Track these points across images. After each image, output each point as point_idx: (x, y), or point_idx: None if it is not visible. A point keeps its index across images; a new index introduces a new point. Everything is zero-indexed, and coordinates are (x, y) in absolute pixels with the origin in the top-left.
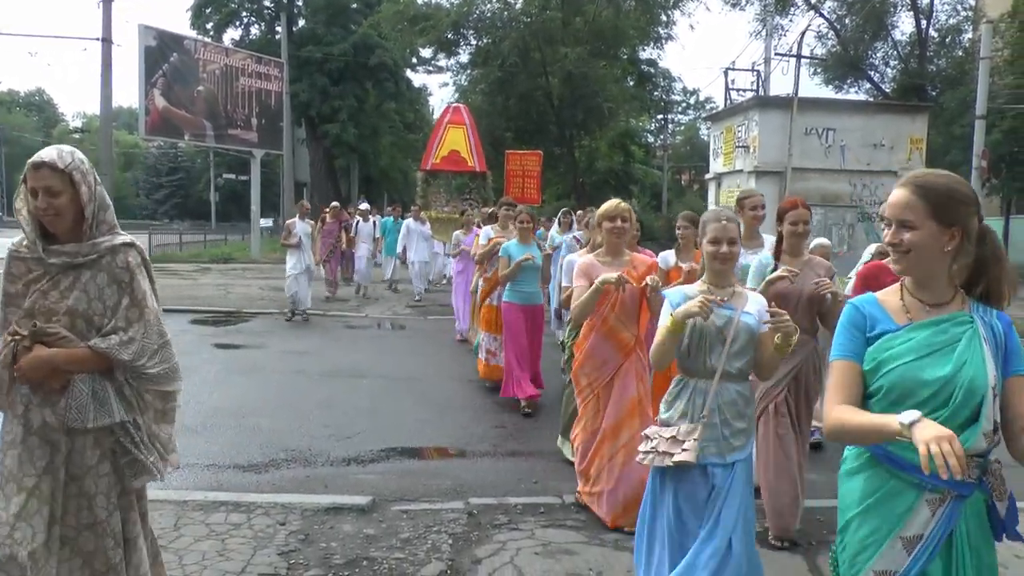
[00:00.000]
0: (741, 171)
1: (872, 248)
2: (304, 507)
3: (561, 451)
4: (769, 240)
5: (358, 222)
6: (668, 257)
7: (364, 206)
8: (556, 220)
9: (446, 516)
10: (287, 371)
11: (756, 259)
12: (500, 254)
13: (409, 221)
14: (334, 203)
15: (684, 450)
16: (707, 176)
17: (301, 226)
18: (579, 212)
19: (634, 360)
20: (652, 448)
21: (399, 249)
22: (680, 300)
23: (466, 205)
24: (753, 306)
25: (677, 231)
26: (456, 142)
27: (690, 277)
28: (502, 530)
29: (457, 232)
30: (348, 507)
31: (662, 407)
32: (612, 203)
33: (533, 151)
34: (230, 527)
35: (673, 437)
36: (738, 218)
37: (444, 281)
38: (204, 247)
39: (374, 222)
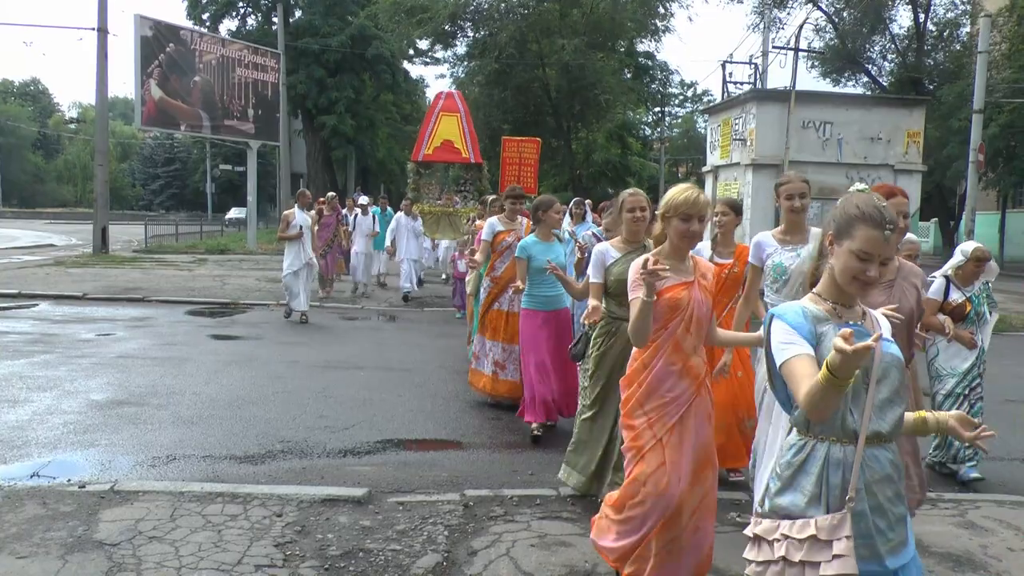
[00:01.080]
0: (738, 164)
1: (969, 248)
2: (300, 499)
3: (565, 481)
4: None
5: (356, 216)
6: (701, 251)
7: (363, 200)
8: (567, 212)
9: (442, 508)
10: (283, 362)
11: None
12: (517, 254)
13: (400, 215)
14: (331, 193)
15: (836, 556)
16: (704, 169)
17: (301, 217)
18: (602, 203)
19: (704, 394)
20: (780, 558)
21: (387, 243)
22: (802, 322)
23: (459, 198)
24: (888, 328)
25: (715, 218)
26: (449, 131)
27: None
28: (498, 522)
29: (480, 221)
30: (344, 499)
31: (772, 484)
32: (688, 195)
33: (531, 138)
34: (226, 518)
35: (812, 536)
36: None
37: (443, 279)
38: (200, 238)
39: (373, 216)
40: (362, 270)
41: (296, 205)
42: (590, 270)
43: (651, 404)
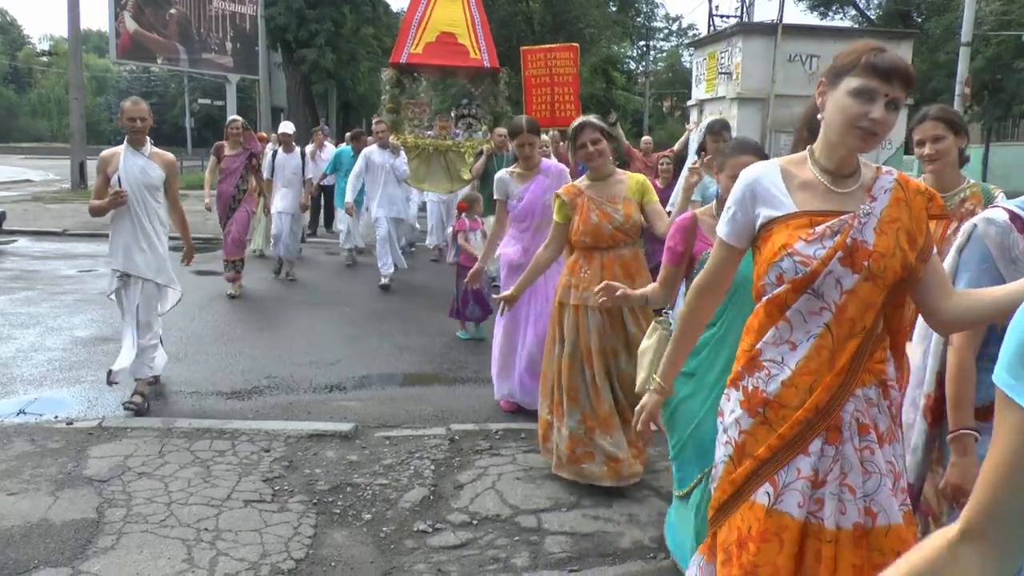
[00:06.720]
0: (724, 98)
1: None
2: (288, 434)
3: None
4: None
5: (275, 154)
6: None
7: (287, 127)
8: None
9: (428, 442)
10: (268, 299)
11: None
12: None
13: (372, 149)
14: (234, 118)
15: None
16: (689, 103)
17: (130, 164)
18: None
19: None
20: None
21: (348, 195)
22: None
23: (461, 126)
24: None
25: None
26: (450, 20)
27: None
28: (483, 455)
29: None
30: (331, 434)
31: None
32: None
33: (565, 44)
34: (215, 454)
35: None
36: None
37: (442, 255)
38: (180, 173)
39: (302, 152)
40: (289, 241)
41: (126, 141)
42: None
43: None
